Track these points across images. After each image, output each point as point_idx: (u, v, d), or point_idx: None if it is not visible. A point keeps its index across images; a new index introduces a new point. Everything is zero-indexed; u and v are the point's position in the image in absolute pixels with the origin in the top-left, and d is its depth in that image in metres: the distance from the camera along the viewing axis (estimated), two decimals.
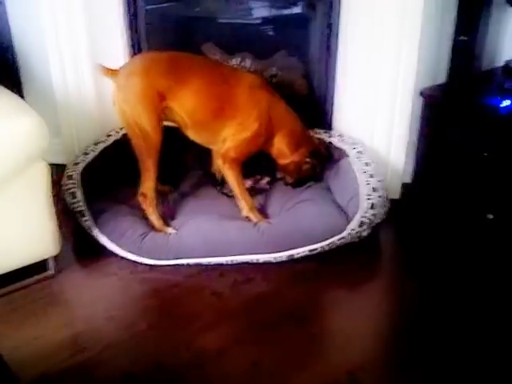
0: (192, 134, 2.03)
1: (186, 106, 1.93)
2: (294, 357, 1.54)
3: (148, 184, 1.94)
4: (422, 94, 2.05)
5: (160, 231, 1.95)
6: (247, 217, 2.01)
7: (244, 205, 2.02)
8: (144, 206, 1.97)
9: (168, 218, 2.05)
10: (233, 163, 1.99)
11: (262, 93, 2.01)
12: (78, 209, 1.97)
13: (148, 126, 1.88)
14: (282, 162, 2.12)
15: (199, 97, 1.93)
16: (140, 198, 1.96)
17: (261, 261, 1.88)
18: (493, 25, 2.12)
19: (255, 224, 1.93)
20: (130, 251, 1.89)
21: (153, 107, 1.88)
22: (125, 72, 1.92)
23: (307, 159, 2.11)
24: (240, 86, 1.98)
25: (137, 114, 1.88)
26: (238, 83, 1.98)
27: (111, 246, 1.92)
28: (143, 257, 1.88)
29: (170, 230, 1.96)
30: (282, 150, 2.08)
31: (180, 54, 2.02)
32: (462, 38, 2.06)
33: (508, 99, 1.87)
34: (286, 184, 2.20)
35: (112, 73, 1.93)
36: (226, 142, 2.00)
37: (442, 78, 2.19)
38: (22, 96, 2.46)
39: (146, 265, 1.88)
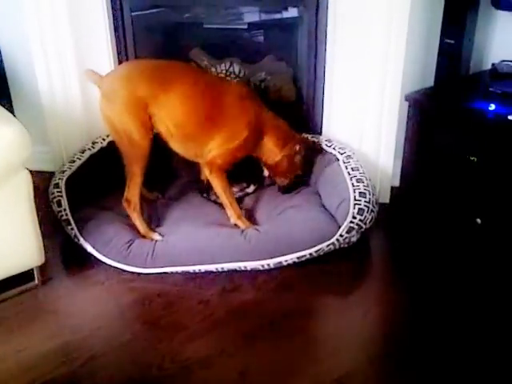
0: (177, 145, 2.00)
1: (173, 116, 1.91)
2: (282, 366, 1.53)
3: (133, 190, 1.93)
4: (407, 98, 2.04)
5: (146, 237, 1.94)
6: (235, 224, 2.00)
7: (232, 213, 2.00)
8: (129, 212, 1.96)
9: (155, 225, 2.04)
10: (219, 171, 1.98)
11: (250, 101, 2.01)
12: (64, 217, 1.96)
13: (135, 132, 1.87)
14: (273, 160, 2.09)
15: (186, 106, 1.92)
16: (124, 204, 1.95)
17: (248, 268, 1.87)
18: (479, 28, 2.12)
19: (243, 231, 1.92)
20: (115, 260, 1.87)
21: (138, 114, 1.87)
22: (109, 79, 1.92)
23: (297, 147, 2.06)
24: (229, 96, 1.97)
25: (123, 121, 1.87)
26: (226, 93, 1.98)
27: (97, 254, 1.90)
28: (129, 265, 1.86)
29: (155, 235, 1.95)
30: (271, 149, 2.06)
31: (166, 62, 2.01)
32: (448, 41, 2.05)
33: (494, 103, 1.86)
34: (279, 189, 2.17)
35: (98, 79, 1.93)
36: (212, 150, 1.99)
37: (430, 81, 2.18)
38: (10, 105, 2.45)
39: (133, 273, 1.87)
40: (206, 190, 2.18)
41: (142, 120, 1.88)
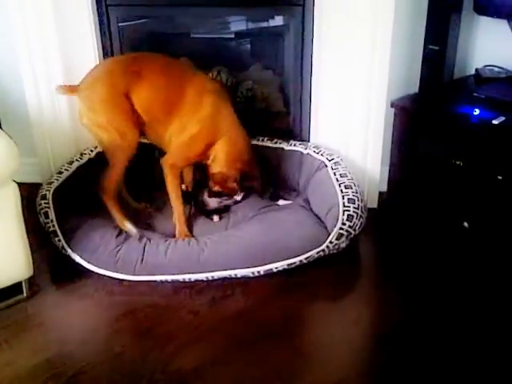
0: (149, 133, 2.01)
1: (143, 101, 1.93)
2: (276, 374, 1.52)
3: (112, 179, 1.95)
4: (392, 104, 2.06)
5: (120, 226, 1.97)
6: (175, 224, 2.01)
7: (176, 211, 2.01)
8: (104, 200, 1.97)
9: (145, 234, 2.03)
10: (172, 168, 1.98)
11: (211, 98, 1.97)
12: (51, 229, 1.95)
13: (122, 125, 1.90)
14: (213, 168, 2.03)
15: (154, 92, 1.94)
16: (100, 192, 1.96)
17: (239, 275, 1.86)
18: (462, 33, 2.15)
19: (232, 238, 1.91)
20: (104, 267, 1.87)
21: (122, 107, 1.89)
22: (86, 82, 1.94)
23: (234, 183, 2.02)
24: (190, 87, 1.97)
25: (111, 118, 1.89)
26: (189, 84, 1.98)
27: (85, 264, 1.90)
28: (118, 272, 1.86)
29: (128, 225, 1.97)
30: (218, 157, 2.01)
31: (139, 54, 2.07)
32: (432, 47, 2.08)
33: (479, 108, 1.88)
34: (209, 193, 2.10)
35: (73, 89, 1.95)
36: (171, 144, 1.99)
37: (415, 88, 2.21)
38: None
39: (122, 284, 1.86)
40: (193, 197, 2.18)
41: (126, 111, 1.90)
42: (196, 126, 1.96)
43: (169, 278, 1.85)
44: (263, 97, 2.42)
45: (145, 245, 1.90)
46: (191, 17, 2.36)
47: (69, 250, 1.92)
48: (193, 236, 2.00)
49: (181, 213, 2.02)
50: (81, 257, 1.90)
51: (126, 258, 1.86)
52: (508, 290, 1.82)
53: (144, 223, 2.09)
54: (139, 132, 1.95)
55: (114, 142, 1.92)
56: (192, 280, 1.86)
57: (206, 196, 2.12)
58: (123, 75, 1.92)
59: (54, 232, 1.95)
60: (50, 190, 2.04)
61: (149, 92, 1.93)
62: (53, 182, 2.10)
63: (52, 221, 1.96)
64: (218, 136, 2.00)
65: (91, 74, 1.98)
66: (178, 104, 1.96)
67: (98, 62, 2.22)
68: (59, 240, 1.94)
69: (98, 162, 2.09)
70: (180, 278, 1.86)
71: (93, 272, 1.90)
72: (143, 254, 1.86)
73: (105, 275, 1.88)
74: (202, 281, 1.86)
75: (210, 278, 1.86)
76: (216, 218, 2.12)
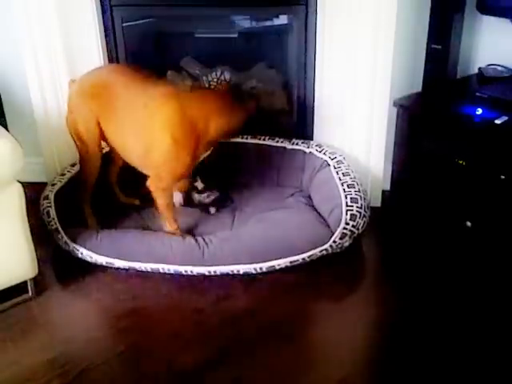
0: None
1: (107, 129, 1.93)
2: (278, 373, 1.53)
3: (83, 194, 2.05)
4: (395, 103, 2.06)
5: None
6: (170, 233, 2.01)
7: (167, 226, 2.00)
8: (79, 203, 2.07)
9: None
10: (165, 191, 1.93)
11: (169, 104, 1.80)
12: (54, 227, 1.97)
13: (90, 144, 1.96)
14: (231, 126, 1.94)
15: (115, 120, 1.89)
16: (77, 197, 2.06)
17: (241, 272, 1.87)
18: (465, 32, 2.14)
19: (236, 234, 1.94)
20: (108, 255, 1.90)
21: (94, 128, 1.93)
22: (72, 90, 1.99)
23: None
24: (139, 109, 1.82)
25: (81, 131, 1.95)
26: (139, 105, 1.83)
27: (89, 254, 1.92)
28: (123, 260, 1.89)
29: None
30: (223, 123, 1.89)
31: (114, 74, 1.96)
32: (435, 46, 2.08)
33: (481, 107, 1.88)
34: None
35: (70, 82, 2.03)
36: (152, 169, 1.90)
37: (418, 86, 2.20)
38: (3, 117, 2.46)
39: (126, 282, 1.87)
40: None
41: (95, 132, 1.94)
42: (167, 144, 1.79)
43: (171, 268, 1.87)
44: (266, 95, 2.42)
45: (150, 235, 1.93)
46: (195, 16, 2.36)
47: (72, 245, 1.94)
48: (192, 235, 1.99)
49: (174, 227, 1.98)
50: (85, 247, 1.92)
51: (131, 247, 1.88)
52: (510, 289, 1.82)
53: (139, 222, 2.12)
54: (101, 153, 2.01)
55: (80, 155, 2.01)
56: (194, 273, 1.87)
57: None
58: (96, 99, 1.90)
59: (56, 229, 1.97)
60: (52, 191, 2.07)
61: (112, 121, 1.91)
62: (55, 184, 2.13)
63: (54, 219, 1.98)
64: (206, 121, 1.83)
65: (77, 85, 1.98)
66: (138, 134, 1.85)
67: (102, 62, 2.23)
68: (61, 236, 1.96)
69: (101, 164, 2.09)
70: (182, 269, 1.87)
71: (97, 268, 1.92)
72: (148, 244, 1.89)
73: (108, 264, 1.90)
74: (204, 275, 1.87)
75: (213, 273, 1.87)
76: (213, 209, 2.17)
